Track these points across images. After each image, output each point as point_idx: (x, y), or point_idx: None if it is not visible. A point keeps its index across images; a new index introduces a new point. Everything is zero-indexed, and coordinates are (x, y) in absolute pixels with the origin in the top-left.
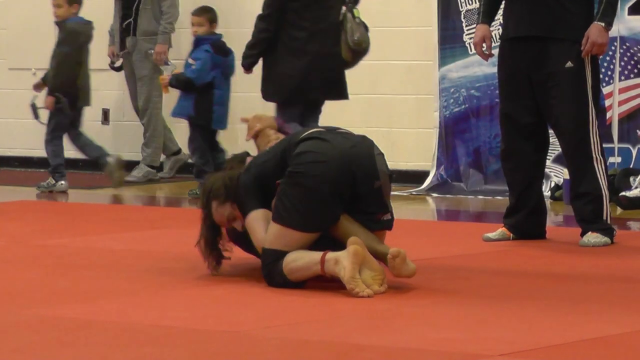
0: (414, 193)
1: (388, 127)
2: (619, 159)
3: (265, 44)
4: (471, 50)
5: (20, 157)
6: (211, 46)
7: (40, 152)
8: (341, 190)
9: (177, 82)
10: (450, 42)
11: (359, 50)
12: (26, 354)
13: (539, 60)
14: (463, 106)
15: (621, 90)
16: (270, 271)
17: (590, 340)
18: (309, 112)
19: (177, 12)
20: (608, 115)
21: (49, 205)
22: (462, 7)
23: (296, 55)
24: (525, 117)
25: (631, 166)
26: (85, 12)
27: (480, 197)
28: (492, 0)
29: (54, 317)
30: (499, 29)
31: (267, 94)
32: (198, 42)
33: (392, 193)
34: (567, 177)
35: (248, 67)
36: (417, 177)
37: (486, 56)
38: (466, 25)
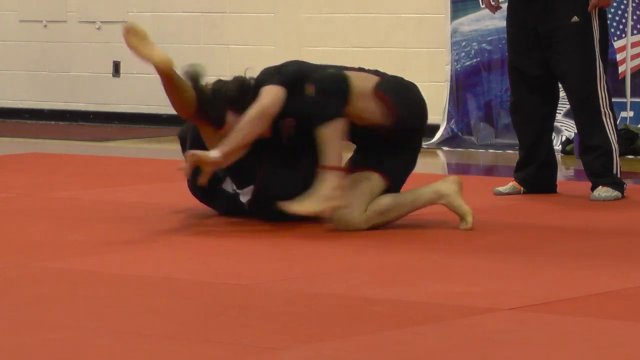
0: (424, 146)
1: None
2: (631, 114)
3: None
4: (482, 4)
5: (30, 109)
6: None
7: (51, 104)
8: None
9: None
10: None
11: None
12: (36, 307)
13: (545, 14)
14: (474, 60)
15: (633, 45)
16: (337, 89)
17: (601, 294)
18: None
19: None
20: (620, 69)
21: (59, 158)
22: None
23: None
24: (533, 70)
25: None
26: None
27: (491, 150)
28: None
29: (63, 269)
30: None
31: None
32: None
33: None
34: None
35: None
36: (427, 130)
37: (493, 9)
38: None
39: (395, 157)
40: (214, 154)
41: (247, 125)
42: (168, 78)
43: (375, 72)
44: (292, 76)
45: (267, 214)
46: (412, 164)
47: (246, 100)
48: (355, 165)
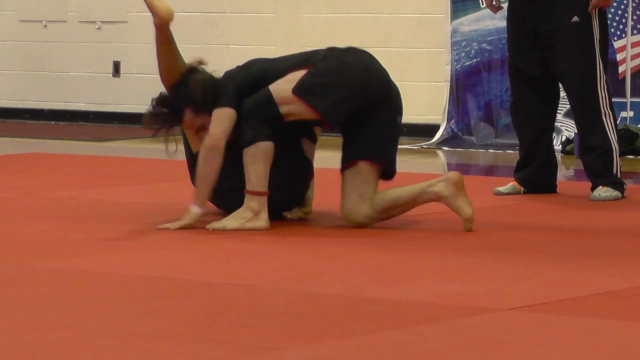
0: (424, 146)
1: (399, 81)
2: (631, 114)
3: None
4: (482, 4)
5: (31, 109)
6: None
7: (51, 104)
8: (362, 98)
9: None
10: None
11: None
12: (36, 307)
13: (545, 14)
14: (474, 60)
15: (633, 45)
16: (261, 106)
17: (600, 295)
18: None
19: None
20: (620, 69)
21: (59, 158)
22: None
23: None
24: (533, 70)
25: None
26: None
27: (491, 150)
28: None
29: (64, 269)
30: None
31: None
32: None
33: (403, 147)
34: None
35: None
36: (427, 130)
37: (495, 9)
38: None
39: (374, 132)
40: (195, 211)
41: (206, 168)
42: (163, 31)
43: (319, 56)
44: (245, 87)
45: (226, 203)
46: (393, 131)
47: (206, 101)
48: (343, 162)
